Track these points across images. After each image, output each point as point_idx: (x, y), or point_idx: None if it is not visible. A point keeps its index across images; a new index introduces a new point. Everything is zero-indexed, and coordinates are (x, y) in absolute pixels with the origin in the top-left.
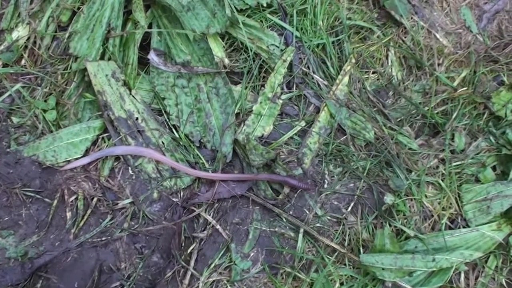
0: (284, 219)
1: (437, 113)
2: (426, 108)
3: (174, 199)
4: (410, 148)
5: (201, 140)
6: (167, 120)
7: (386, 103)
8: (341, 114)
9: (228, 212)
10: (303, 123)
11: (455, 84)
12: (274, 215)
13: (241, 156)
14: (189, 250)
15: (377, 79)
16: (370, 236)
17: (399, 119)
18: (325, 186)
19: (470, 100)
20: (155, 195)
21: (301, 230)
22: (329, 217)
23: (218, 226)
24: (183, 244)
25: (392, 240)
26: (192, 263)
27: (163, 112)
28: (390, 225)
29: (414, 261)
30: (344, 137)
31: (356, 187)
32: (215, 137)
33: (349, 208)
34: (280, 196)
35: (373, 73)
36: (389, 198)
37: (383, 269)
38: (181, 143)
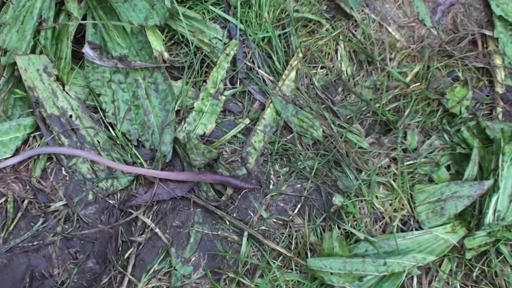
0: (227, 221)
1: (389, 110)
2: (377, 105)
3: (110, 201)
4: (360, 147)
5: (139, 139)
6: (103, 117)
7: (335, 100)
8: (288, 111)
9: (168, 215)
10: (247, 121)
11: (407, 79)
12: (217, 217)
13: (182, 156)
14: (126, 255)
15: (326, 75)
16: (318, 239)
17: (348, 117)
18: (271, 186)
19: (423, 97)
20: (90, 197)
21: (245, 233)
22: (274, 220)
23: (157, 230)
24: (120, 249)
25: (341, 243)
26: (130, 268)
27: (99, 109)
28: (339, 228)
29: (364, 265)
30: (291, 135)
31: (303, 187)
32: (154, 135)
33: (296, 210)
34: (223, 198)
35: (322, 68)
36: (338, 199)
37: (331, 273)
38: (118, 142)
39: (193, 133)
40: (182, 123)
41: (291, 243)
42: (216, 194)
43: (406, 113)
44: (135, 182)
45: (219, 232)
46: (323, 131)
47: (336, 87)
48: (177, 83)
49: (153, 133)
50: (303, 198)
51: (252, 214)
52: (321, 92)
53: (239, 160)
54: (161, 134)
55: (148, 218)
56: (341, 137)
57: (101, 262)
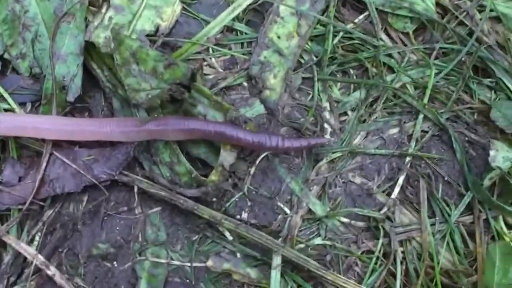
0: (226, 234)
1: None
2: None
3: None
4: None
5: (5, 55)
6: None
7: None
8: None
9: (81, 232)
10: None
11: None
12: (201, 225)
13: (106, 85)
14: None
15: None
16: (458, 259)
17: None
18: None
19: None
20: None
21: (276, 260)
22: (343, 220)
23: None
24: None
25: None
26: None
27: None
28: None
29: None
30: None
31: (403, 135)
32: (40, 45)
33: (395, 191)
34: (213, 178)
35: None
36: (500, 154)
37: None
38: None
39: (131, 29)
40: (103, 10)
41: (387, 276)
42: (195, 170)
43: None
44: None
45: (211, 263)
46: None
47: None
48: None
49: (36, 40)
50: (408, 161)
51: (285, 211)
52: None
53: (247, 83)
54: (53, 37)
55: (30, 243)
56: None
57: None
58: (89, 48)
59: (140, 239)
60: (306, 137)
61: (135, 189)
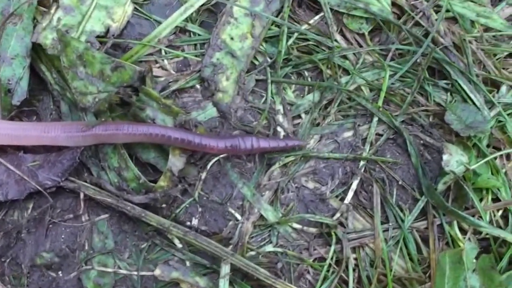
0: (176, 241)
1: None
2: None
3: None
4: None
5: None
6: None
7: None
8: None
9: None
10: None
11: None
12: (149, 232)
13: (54, 89)
14: None
15: None
16: (411, 265)
17: None
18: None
19: None
20: None
21: (225, 269)
22: (295, 226)
23: None
24: None
25: (486, 270)
26: None
27: None
28: (461, 230)
29: None
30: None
31: (358, 137)
32: None
33: (348, 196)
34: (161, 184)
35: None
36: (453, 159)
37: None
38: None
39: (80, 30)
40: (51, 11)
41: (339, 284)
42: (144, 176)
43: None
44: None
45: (158, 271)
46: None
47: None
48: None
49: None
50: (362, 165)
51: (237, 217)
52: None
53: (199, 86)
54: None
55: None
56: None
57: None
58: (38, 50)
59: (86, 247)
60: (284, 138)
61: (81, 195)
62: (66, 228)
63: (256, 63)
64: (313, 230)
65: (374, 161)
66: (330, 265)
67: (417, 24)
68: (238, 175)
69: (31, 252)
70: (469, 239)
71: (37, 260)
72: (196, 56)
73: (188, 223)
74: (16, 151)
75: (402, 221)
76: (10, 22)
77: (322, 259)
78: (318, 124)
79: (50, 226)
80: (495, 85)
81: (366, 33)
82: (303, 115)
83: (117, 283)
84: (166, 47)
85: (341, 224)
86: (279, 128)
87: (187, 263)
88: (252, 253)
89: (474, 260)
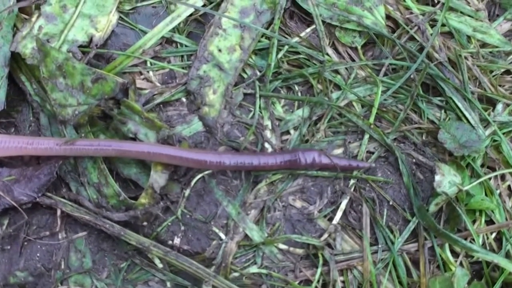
0: (156, 262)
1: None
2: None
3: None
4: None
5: None
6: None
7: None
8: None
9: None
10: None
11: None
12: (129, 251)
13: (33, 100)
14: None
15: None
16: None
17: None
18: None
19: None
20: None
21: None
22: (281, 247)
23: None
24: None
25: None
26: None
27: None
28: (453, 253)
29: None
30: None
31: (347, 154)
32: None
33: (336, 217)
34: (143, 201)
35: None
36: (445, 180)
37: None
38: None
39: (61, 39)
40: (33, 19)
41: None
42: (125, 192)
43: None
44: None
45: None
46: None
47: None
48: None
49: None
50: (352, 183)
51: (221, 236)
52: None
53: (185, 99)
54: None
55: None
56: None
57: None
58: (18, 59)
59: (62, 266)
60: (348, 158)
61: (58, 212)
62: (41, 246)
63: (245, 76)
64: (299, 251)
65: (365, 180)
66: (316, 287)
67: (411, 38)
68: (224, 193)
69: (4, 271)
70: (461, 262)
71: (10, 279)
72: (182, 68)
73: (170, 242)
74: None
75: (392, 243)
76: None
77: (308, 281)
78: (307, 141)
79: (25, 243)
80: (491, 103)
81: (359, 47)
82: (292, 131)
83: None
84: (152, 58)
85: (328, 245)
86: (266, 144)
87: (168, 284)
88: (236, 274)
89: (466, 285)
